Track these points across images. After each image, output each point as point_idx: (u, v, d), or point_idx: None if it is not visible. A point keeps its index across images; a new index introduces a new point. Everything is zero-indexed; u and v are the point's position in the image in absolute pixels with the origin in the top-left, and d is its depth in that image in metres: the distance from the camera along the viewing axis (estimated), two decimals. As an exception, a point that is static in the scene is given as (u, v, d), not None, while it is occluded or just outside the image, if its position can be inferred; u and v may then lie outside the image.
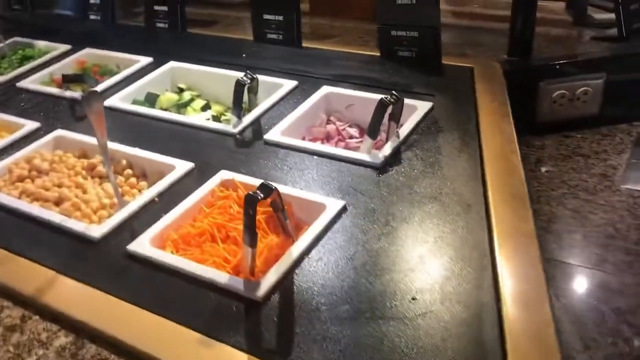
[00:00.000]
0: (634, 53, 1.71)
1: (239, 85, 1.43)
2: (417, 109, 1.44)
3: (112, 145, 1.43)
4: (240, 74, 1.68)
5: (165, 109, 1.73)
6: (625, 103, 1.70)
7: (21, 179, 1.38)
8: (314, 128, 1.54)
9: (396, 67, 1.65)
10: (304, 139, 1.50)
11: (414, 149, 1.31)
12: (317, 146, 1.39)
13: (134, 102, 1.71)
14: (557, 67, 1.62)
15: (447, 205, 1.13)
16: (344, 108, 1.56)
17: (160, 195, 1.25)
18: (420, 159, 1.28)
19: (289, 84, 1.62)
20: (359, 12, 2.18)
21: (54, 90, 1.76)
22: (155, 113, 1.60)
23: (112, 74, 1.92)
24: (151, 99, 1.73)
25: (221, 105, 1.74)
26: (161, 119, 1.56)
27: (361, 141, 1.49)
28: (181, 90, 1.79)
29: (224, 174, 1.28)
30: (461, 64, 1.62)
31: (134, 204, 1.22)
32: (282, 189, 1.20)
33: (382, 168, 1.26)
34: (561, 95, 1.64)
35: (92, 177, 1.39)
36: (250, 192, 0.98)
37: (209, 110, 1.70)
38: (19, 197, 1.32)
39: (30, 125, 1.57)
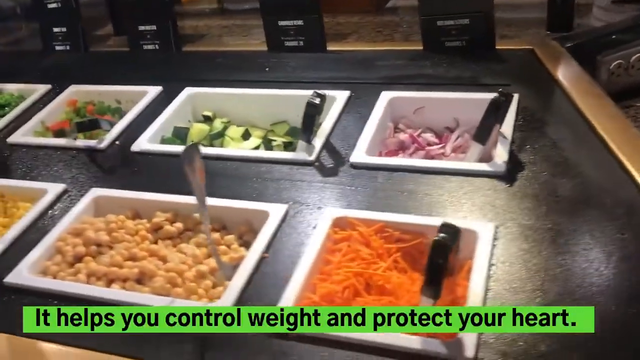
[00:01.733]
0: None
1: (310, 108, 1.25)
2: (504, 103, 1.33)
3: (171, 198, 1.23)
4: (271, 91, 1.52)
5: (197, 144, 1.52)
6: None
7: (79, 258, 1.14)
8: (388, 140, 1.39)
9: (448, 59, 1.52)
10: (380, 154, 1.35)
11: (527, 149, 1.18)
12: (416, 162, 1.24)
13: (163, 141, 1.49)
14: (613, 36, 1.55)
15: (604, 208, 1.02)
16: (412, 113, 1.41)
17: (267, 248, 1.07)
18: (542, 159, 1.16)
19: (341, 95, 1.45)
20: (359, 4, 2.03)
21: (59, 141, 1.49)
22: (207, 151, 1.39)
23: (113, 111, 1.68)
24: (181, 134, 1.51)
25: (259, 129, 1.55)
26: (214, 157, 1.35)
27: (442, 147, 1.36)
28: (207, 119, 1.58)
29: (331, 212, 1.11)
30: (518, 47, 1.52)
31: (245, 267, 1.03)
32: (420, 219, 1.05)
33: (507, 176, 1.13)
34: (618, 65, 1.57)
35: (162, 240, 1.18)
36: (438, 238, 0.83)
37: (251, 138, 1.51)
38: (88, 281, 1.09)
39: (53, 189, 1.31)
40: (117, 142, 1.46)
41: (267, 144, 1.45)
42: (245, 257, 1.08)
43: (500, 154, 1.16)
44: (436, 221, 1.03)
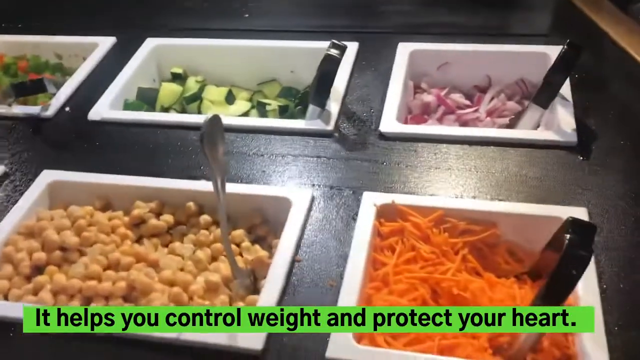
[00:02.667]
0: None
1: (329, 63, 0.98)
2: (550, 56, 1.12)
3: (153, 182, 0.95)
4: (255, 43, 1.26)
5: (168, 108, 1.23)
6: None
7: (39, 269, 0.85)
8: (411, 102, 1.15)
9: (468, 4, 1.29)
10: (405, 120, 1.12)
11: (592, 112, 0.99)
12: (464, 130, 1.03)
13: (126, 106, 1.18)
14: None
15: None
16: (436, 69, 1.18)
17: (297, 248, 0.82)
18: (614, 123, 0.97)
19: (348, 48, 1.19)
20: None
21: (-13, 107, 1.17)
22: (186, 119, 1.11)
23: (53, 68, 1.34)
24: (148, 97, 1.21)
25: (243, 90, 1.27)
26: (197, 127, 1.07)
27: (475, 110, 1.14)
28: (177, 77, 1.28)
29: (372, 198, 0.87)
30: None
31: (275, 275, 0.78)
32: (487, 205, 0.84)
33: (580, 147, 0.93)
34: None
35: (147, 239, 0.91)
36: (571, 243, 0.61)
37: (237, 101, 1.23)
38: (55, 302, 0.81)
39: (-7, 168, 1.01)
40: (67, 109, 1.14)
41: (261, 109, 1.19)
42: (263, 260, 0.84)
43: (565, 120, 0.96)
44: (509, 207, 0.84)
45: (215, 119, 0.71)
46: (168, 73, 1.29)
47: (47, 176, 0.98)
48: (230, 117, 1.12)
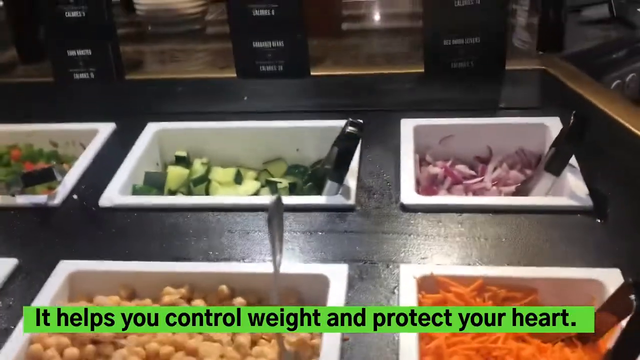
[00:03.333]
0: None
1: (350, 140, 1.01)
2: (547, 127, 1.18)
3: (178, 267, 0.93)
4: (259, 124, 1.29)
5: (175, 192, 1.22)
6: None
7: (75, 364, 0.80)
8: (419, 174, 1.18)
9: (459, 81, 1.36)
10: (417, 192, 1.15)
11: (599, 176, 1.04)
12: (483, 199, 1.07)
13: (135, 191, 1.16)
14: (614, 56, 1.49)
15: None
16: (438, 142, 1.23)
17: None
18: (621, 186, 1.02)
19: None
20: (317, 28, 1.82)
21: (-9, 199, 1.12)
22: (201, 201, 1.10)
23: (48, 156, 1.32)
24: (156, 181, 1.19)
25: (249, 169, 1.28)
26: (214, 207, 1.05)
27: (481, 180, 1.18)
28: (181, 160, 1.27)
29: (410, 270, 0.88)
30: (530, 68, 1.40)
31: (326, 358, 0.76)
32: (525, 271, 0.86)
33: (596, 211, 0.97)
34: (617, 85, 1.52)
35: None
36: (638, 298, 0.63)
37: (246, 181, 1.23)
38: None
39: (2, 263, 0.95)
40: (74, 197, 1.12)
41: (272, 188, 1.19)
42: (306, 341, 0.82)
43: (577, 186, 1.01)
44: (546, 272, 0.86)
45: (279, 200, 0.71)
46: (171, 157, 1.28)
47: (66, 267, 0.94)
48: (247, 196, 1.12)
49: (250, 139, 1.28)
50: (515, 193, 1.15)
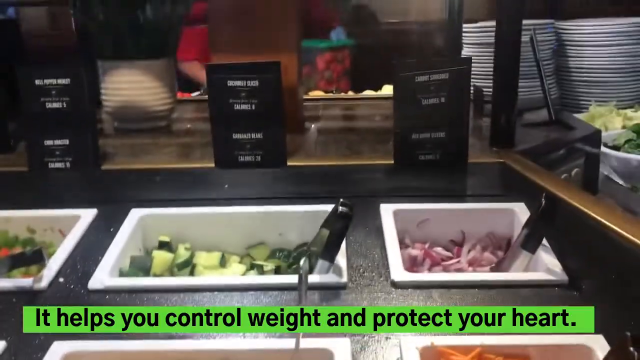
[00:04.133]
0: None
1: (343, 220, 1.06)
2: (515, 212, 1.27)
3: (178, 345, 0.92)
4: (242, 209, 1.33)
5: (160, 276, 1.22)
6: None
7: None
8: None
9: (427, 172, 1.46)
10: (401, 272, 1.20)
11: (569, 253, 1.13)
12: (470, 276, 1.14)
13: (122, 274, 1.15)
14: (560, 152, 1.65)
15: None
16: (416, 226, 1.30)
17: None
18: (589, 262, 1.11)
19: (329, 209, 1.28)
20: (290, 125, 1.92)
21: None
22: (204, 281, 1.10)
23: (24, 243, 1.29)
24: (142, 265, 1.19)
25: (232, 254, 1.29)
26: (205, 288, 1.06)
27: (458, 262, 1.25)
28: (163, 245, 1.28)
29: (411, 342, 0.90)
30: (490, 160, 1.52)
31: None
32: (520, 339, 0.91)
33: (572, 284, 1.04)
34: (565, 178, 1.66)
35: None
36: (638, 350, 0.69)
37: (233, 265, 1.24)
38: None
39: (-11, 347, 0.91)
40: (60, 280, 1.10)
41: (259, 270, 1.21)
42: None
43: (550, 262, 1.09)
44: (538, 339, 0.91)
45: (307, 260, 0.74)
46: (153, 241, 1.29)
47: (60, 348, 0.91)
48: (241, 277, 1.14)
49: (233, 224, 1.31)
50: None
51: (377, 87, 2.95)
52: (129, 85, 1.93)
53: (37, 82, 1.48)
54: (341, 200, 1.10)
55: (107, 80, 1.93)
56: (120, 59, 1.89)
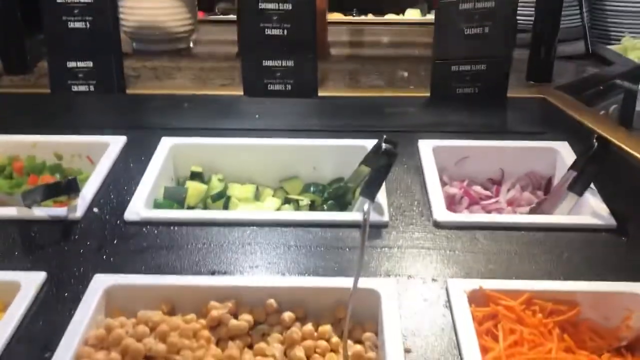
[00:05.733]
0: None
1: (388, 157, 1.02)
2: (557, 151, 1.23)
3: (219, 281, 0.91)
4: (276, 141, 1.28)
5: (193, 208, 1.20)
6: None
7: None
8: (439, 194, 1.21)
9: (463, 106, 1.40)
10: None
11: (615, 197, 1.10)
12: (510, 217, 1.10)
13: (156, 206, 1.13)
14: (601, 87, 1.59)
15: None
16: (454, 164, 1.26)
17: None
18: (635, 207, 1.08)
19: (371, 144, 1.23)
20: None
21: (4, 212, 1.06)
22: (230, 216, 1.08)
23: (52, 169, 1.26)
24: (177, 196, 1.16)
25: (266, 187, 1.27)
26: (243, 222, 1.04)
27: (496, 201, 1.22)
28: (195, 176, 1.25)
29: (460, 285, 0.89)
30: (530, 96, 1.47)
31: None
32: (569, 285, 0.89)
33: (620, 229, 1.02)
34: (603, 115, 1.60)
35: (229, 341, 0.85)
36: None
37: (268, 198, 1.21)
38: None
39: (29, 281, 0.89)
40: (95, 210, 1.07)
41: (294, 205, 1.19)
42: (362, 355, 0.82)
43: (597, 205, 1.06)
44: (587, 286, 0.90)
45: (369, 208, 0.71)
46: (184, 171, 1.26)
47: (101, 281, 0.90)
48: (277, 212, 1.12)
49: (266, 156, 1.28)
50: (529, 213, 1.19)
51: (400, 11, 2.83)
52: (149, 4, 1.85)
53: (58, -1, 1.41)
54: (384, 136, 1.06)
55: (126, -1, 1.85)
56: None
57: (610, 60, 1.84)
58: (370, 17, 2.85)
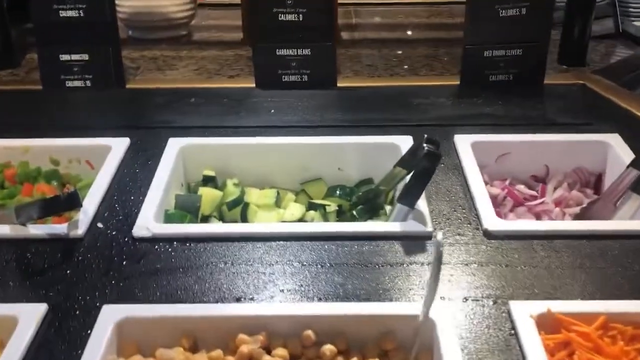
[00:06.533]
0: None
1: (432, 160, 0.90)
2: (609, 144, 1.12)
3: (247, 310, 0.79)
4: (296, 140, 1.16)
5: (208, 217, 1.07)
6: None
7: None
8: (481, 196, 1.09)
9: (497, 95, 1.28)
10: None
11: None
12: (568, 224, 0.98)
13: (167, 218, 1.00)
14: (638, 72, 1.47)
15: None
16: (494, 161, 1.14)
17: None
18: None
19: (404, 141, 1.12)
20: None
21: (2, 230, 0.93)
22: (267, 229, 0.95)
23: (48, 176, 1.13)
24: (190, 206, 1.04)
25: (286, 190, 1.14)
26: (264, 237, 0.92)
27: (543, 202, 1.11)
28: (208, 181, 1.12)
29: (525, 308, 0.77)
30: (568, 82, 1.34)
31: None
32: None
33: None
34: (642, 101, 1.49)
35: (261, 381, 0.73)
36: None
37: (291, 205, 1.09)
38: None
39: (28, 314, 0.77)
40: (99, 225, 0.95)
41: (320, 211, 1.06)
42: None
43: (666, 208, 0.95)
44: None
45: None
46: (196, 176, 1.13)
47: (112, 314, 0.78)
48: (305, 223, 1.00)
49: (285, 157, 1.15)
50: (580, 215, 1.08)
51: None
52: (145, -12, 1.72)
53: (48, -15, 1.26)
54: (425, 135, 0.93)
55: (120, -18, 1.70)
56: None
57: (640, 39, 1.71)
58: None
